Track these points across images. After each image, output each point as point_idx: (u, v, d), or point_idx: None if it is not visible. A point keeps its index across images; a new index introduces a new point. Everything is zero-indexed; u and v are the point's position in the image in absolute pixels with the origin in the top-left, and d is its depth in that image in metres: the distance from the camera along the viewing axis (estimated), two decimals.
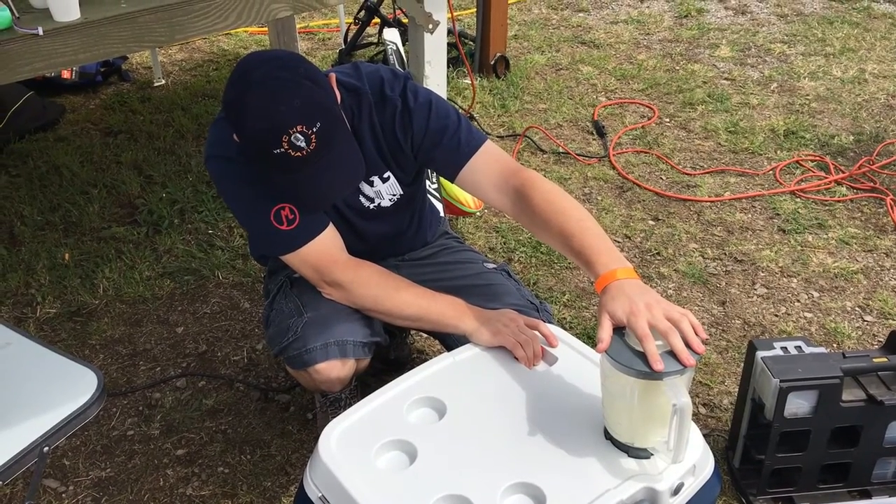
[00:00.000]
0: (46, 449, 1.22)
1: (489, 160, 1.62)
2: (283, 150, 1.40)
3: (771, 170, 3.13)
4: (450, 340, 1.66)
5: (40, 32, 1.90)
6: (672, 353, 1.20)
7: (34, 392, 1.32)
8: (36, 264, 2.65)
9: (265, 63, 1.45)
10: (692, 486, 1.28)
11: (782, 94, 3.72)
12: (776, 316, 2.40)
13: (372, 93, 1.64)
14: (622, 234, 2.77)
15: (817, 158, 3.19)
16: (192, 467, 1.95)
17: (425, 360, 1.50)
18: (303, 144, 1.40)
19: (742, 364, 1.92)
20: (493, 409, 1.38)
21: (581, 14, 4.69)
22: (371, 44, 4.00)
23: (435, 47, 2.82)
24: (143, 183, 3.09)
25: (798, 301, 2.46)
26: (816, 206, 2.91)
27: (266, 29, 4.23)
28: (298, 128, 1.39)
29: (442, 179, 2.48)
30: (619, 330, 1.26)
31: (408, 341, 2.23)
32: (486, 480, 1.24)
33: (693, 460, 1.27)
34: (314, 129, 1.40)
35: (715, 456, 1.35)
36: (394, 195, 1.75)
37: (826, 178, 3.05)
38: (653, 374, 1.17)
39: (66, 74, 3.77)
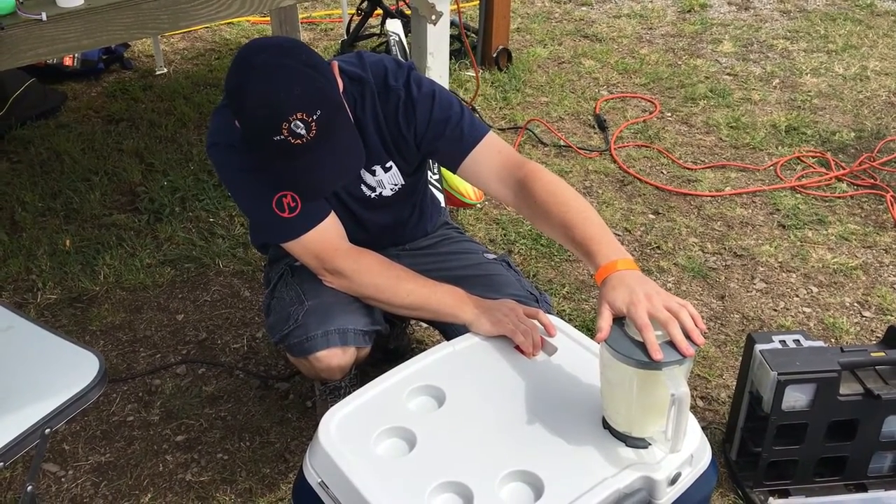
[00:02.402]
0: (48, 431, 1.22)
1: (492, 151, 1.62)
2: (282, 137, 1.40)
3: (772, 165, 3.13)
4: (450, 330, 1.66)
5: (44, 18, 1.90)
6: (671, 344, 1.20)
7: (36, 375, 1.32)
8: (37, 250, 2.65)
9: (266, 49, 1.45)
10: (689, 476, 1.29)
11: (784, 90, 3.72)
12: (775, 310, 2.40)
13: (375, 82, 1.64)
14: (622, 227, 2.78)
15: (818, 155, 3.19)
16: (191, 453, 1.96)
17: (425, 350, 1.51)
18: (303, 132, 1.40)
19: (740, 358, 1.92)
20: (492, 397, 1.39)
21: (584, 8, 4.68)
22: (373, 35, 4.00)
23: (438, 39, 2.82)
24: (144, 171, 3.09)
25: (797, 296, 2.46)
26: (817, 202, 2.92)
27: (268, 18, 4.22)
28: (298, 115, 1.39)
29: (443, 170, 2.48)
30: (618, 320, 1.26)
31: (407, 331, 2.24)
32: (484, 468, 1.25)
33: (690, 450, 1.28)
34: (314, 117, 1.40)
35: (712, 448, 1.36)
36: (395, 185, 1.75)
37: (826, 174, 3.06)
38: (652, 364, 1.18)
39: (67, 62, 3.77)
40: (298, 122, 1.39)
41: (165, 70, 3.94)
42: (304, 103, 1.40)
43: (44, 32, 1.93)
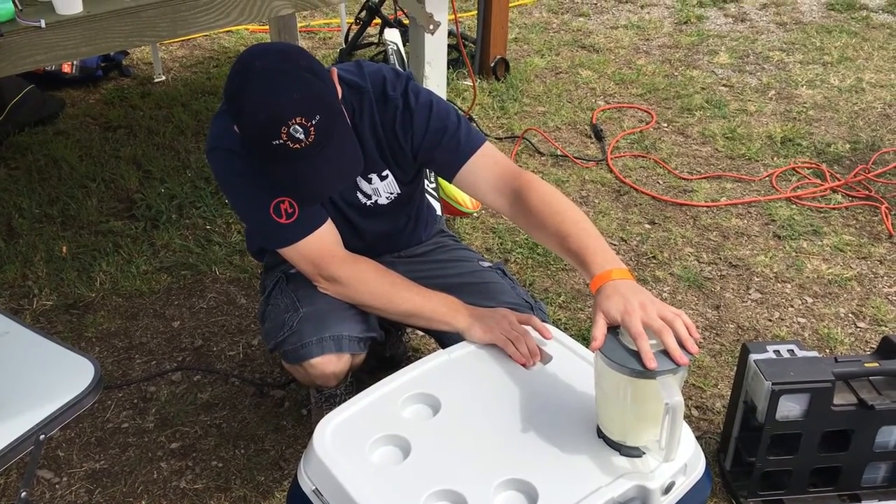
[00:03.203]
0: (43, 437, 1.23)
1: (488, 161, 1.63)
2: (281, 141, 1.41)
3: (767, 176, 3.14)
4: (445, 339, 1.66)
5: (43, 25, 1.91)
6: (665, 353, 1.21)
7: (31, 380, 1.32)
8: (33, 256, 2.66)
9: (266, 55, 1.46)
10: (683, 486, 1.29)
11: (780, 101, 3.74)
12: (770, 321, 2.41)
13: (374, 91, 1.65)
14: (618, 237, 2.79)
15: (813, 166, 3.20)
16: (185, 461, 1.96)
17: (420, 358, 1.51)
18: (301, 136, 1.41)
19: (735, 368, 1.93)
20: (487, 406, 1.39)
21: (581, 18, 4.71)
22: (372, 44, 4.01)
23: (435, 48, 2.84)
24: (141, 178, 3.10)
25: (792, 306, 2.47)
26: (812, 212, 2.93)
27: (267, 27, 4.24)
28: (297, 120, 1.40)
29: (440, 179, 2.49)
30: (613, 329, 1.27)
31: (403, 339, 2.24)
32: (479, 476, 1.25)
33: (684, 459, 1.28)
34: (313, 122, 1.41)
35: (707, 458, 1.36)
36: (391, 193, 1.76)
37: (822, 185, 3.07)
38: (646, 373, 1.18)
39: (66, 68, 3.78)
40: (297, 127, 1.40)
41: (164, 77, 3.95)
42: (303, 108, 1.41)
43: (43, 39, 1.94)
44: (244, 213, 1.74)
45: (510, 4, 4.15)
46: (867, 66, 4.09)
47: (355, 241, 1.73)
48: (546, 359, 1.49)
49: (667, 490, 1.26)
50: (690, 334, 1.24)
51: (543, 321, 1.60)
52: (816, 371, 1.70)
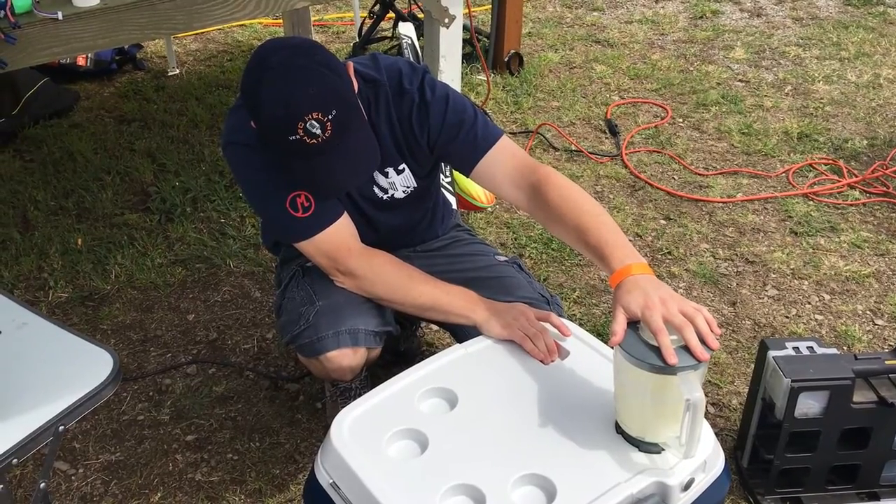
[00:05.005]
0: (62, 428, 1.23)
1: (505, 155, 1.62)
2: (298, 136, 1.40)
3: (784, 172, 3.12)
4: (460, 332, 1.66)
5: (60, 17, 1.91)
6: (686, 348, 1.20)
7: (50, 371, 1.32)
8: (49, 249, 2.66)
9: (282, 50, 1.46)
10: (702, 482, 1.29)
11: (796, 97, 3.71)
12: (787, 317, 2.39)
13: (390, 85, 1.64)
14: (633, 232, 2.77)
15: (830, 162, 3.18)
16: (201, 453, 1.96)
17: (435, 353, 1.51)
18: (318, 132, 1.40)
19: (752, 365, 1.92)
20: (505, 400, 1.38)
21: (595, 13, 4.68)
22: (385, 38, 4.01)
23: (450, 42, 2.83)
24: (156, 171, 3.10)
25: (809, 303, 2.45)
26: (829, 209, 2.90)
27: (281, 21, 4.23)
28: (314, 115, 1.40)
29: (455, 173, 2.48)
30: (633, 324, 1.26)
31: (418, 334, 2.23)
32: (496, 471, 1.24)
33: (704, 456, 1.27)
34: (329, 117, 1.41)
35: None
36: (408, 187, 1.75)
37: (839, 181, 3.05)
38: (666, 368, 1.18)
39: (80, 61, 3.79)
40: (314, 122, 1.40)
41: (178, 71, 3.95)
42: (319, 103, 1.40)
43: (59, 31, 1.94)
44: (260, 207, 1.73)
45: None
46: (884, 62, 4.05)
47: (371, 234, 1.73)
48: (563, 354, 1.48)
49: (686, 487, 1.25)
50: (711, 330, 1.23)
51: (560, 316, 1.59)
52: (836, 368, 1.68)
